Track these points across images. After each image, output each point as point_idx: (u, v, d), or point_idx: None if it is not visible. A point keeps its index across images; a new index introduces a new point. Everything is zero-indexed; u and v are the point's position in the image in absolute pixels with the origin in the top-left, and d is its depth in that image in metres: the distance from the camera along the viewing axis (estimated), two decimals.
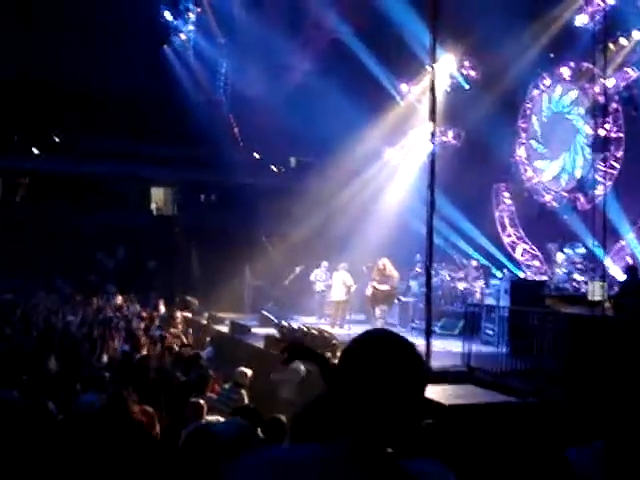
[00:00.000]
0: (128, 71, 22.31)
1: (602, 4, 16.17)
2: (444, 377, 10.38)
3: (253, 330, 15.62)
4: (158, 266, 23.38)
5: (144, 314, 17.63)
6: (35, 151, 26.33)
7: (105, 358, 10.63)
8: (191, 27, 23.36)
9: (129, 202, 27.36)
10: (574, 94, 18.25)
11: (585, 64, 17.59)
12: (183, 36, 23.73)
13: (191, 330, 15.92)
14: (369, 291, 16.04)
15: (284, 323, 14.43)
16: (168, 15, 22.73)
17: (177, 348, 12.00)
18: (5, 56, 22.25)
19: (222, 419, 6.04)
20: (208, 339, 15.25)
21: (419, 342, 12.41)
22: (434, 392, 9.26)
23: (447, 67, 20.44)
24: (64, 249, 22.85)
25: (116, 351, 11.42)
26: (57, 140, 26.74)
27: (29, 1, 22.44)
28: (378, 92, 22.05)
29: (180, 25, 23.34)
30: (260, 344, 13.28)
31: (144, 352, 10.99)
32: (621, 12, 15.54)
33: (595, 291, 11.97)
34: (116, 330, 13.74)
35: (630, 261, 15.68)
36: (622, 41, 15.88)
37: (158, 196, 27.66)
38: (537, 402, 7.93)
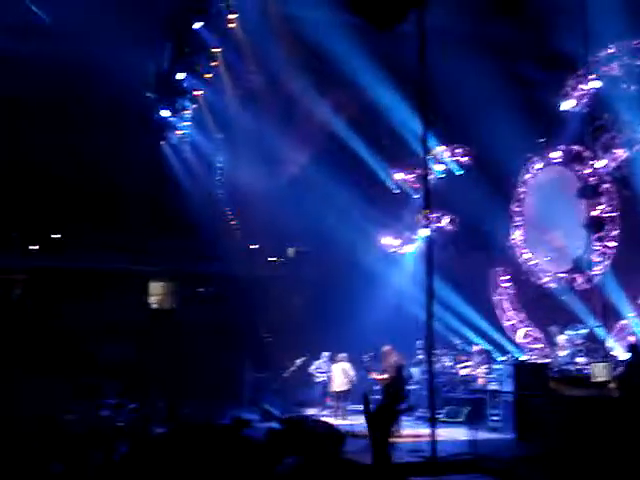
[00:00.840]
0: (127, 168, 22.61)
1: (587, 88, 16.60)
2: (451, 466, 10.19)
3: (255, 424, 15.32)
4: (157, 361, 23.09)
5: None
6: (33, 247, 26.39)
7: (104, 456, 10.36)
8: (187, 123, 23.82)
9: (128, 297, 27.25)
10: (565, 176, 18.49)
11: (574, 147, 17.91)
12: (180, 132, 24.17)
13: None
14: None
15: (286, 416, 14.19)
16: (165, 113, 23.19)
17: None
18: (5, 152, 22.68)
19: None
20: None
21: (423, 431, 12.25)
22: None
23: (439, 154, 20.86)
24: (62, 346, 22.62)
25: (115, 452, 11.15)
26: (55, 237, 26.84)
27: (32, 101, 22.91)
28: (372, 180, 22.38)
29: (177, 122, 23.79)
30: (262, 438, 13.00)
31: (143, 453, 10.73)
32: (606, 94, 15.92)
33: (598, 372, 11.84)
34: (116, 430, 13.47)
35: (632, 339, 15.59)
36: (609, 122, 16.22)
37: (156, 290, 27.55)
38: None
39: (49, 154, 22.36)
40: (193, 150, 24.49)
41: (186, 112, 23.33)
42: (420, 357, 17.84)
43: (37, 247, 26.21)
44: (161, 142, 24.57)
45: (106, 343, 23.72)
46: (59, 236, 26.23)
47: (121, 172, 22.50)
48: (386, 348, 14.88)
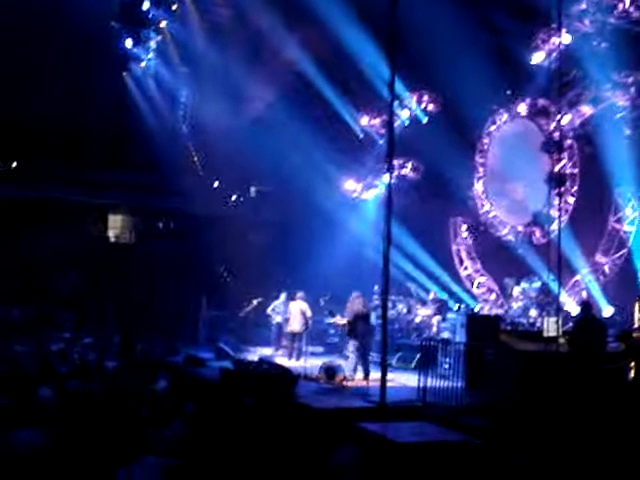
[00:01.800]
0: (87, 98, 22.11)
1: (557, 42, 16.49)
2: (400, 412, 10.36)
3: (209, 363, 15.41)
4: (113, 294, 23.00)
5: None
6: None
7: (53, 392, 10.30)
8: (151, 55, 23.27)
9: (86, 229, 26.96)
10: (530, 130, 18.52)
11: (541, 101, 17.90)
12: (143, 64, 23.62)
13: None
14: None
15: (240, 356, 14.27)
16: (129, 43, 22.61)
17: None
18: None
19: None
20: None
21: (375, 375, 12.44)
22: (389, 429, 9.22)
23: (406, 100, 20.72)
24: (16, 276, 22.39)
25: (66, 384, 11.10)
26: (14, 166, 26.33)
27: None
28: (338, 123, 22.20)
29: (140, 53, 23.23)
30: (215, 378, 13.09)
31: (95, 385, 10.72)
32: (576, 50, 15.85)
33: (550, 327, 12.05)
34: (69, 362, 13.41)
35: (585, 295, 15.88)
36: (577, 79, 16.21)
37: (116, 223, 27.29)
38: (485, 443, 7.89)
39: (8, 82, 21.71)
40: (156, 83, 23.99)
41: (150, 43, 22.80)
42: (376, 302, 17.96)
43: None
44: (123, 73, 24.01)
45: (61, 274, 23.54)
46: (16, 165, 25.71)
47: (82, 103, 21.98)
48: (355, 294, 14.89)
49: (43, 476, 5.01)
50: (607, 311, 15.41)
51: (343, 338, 18.72)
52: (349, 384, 13.11)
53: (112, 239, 26.78)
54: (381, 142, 21.97)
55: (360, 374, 13.90)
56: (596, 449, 7.55)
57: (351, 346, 14.31)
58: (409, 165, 21.65)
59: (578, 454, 7.41)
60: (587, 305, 11.89)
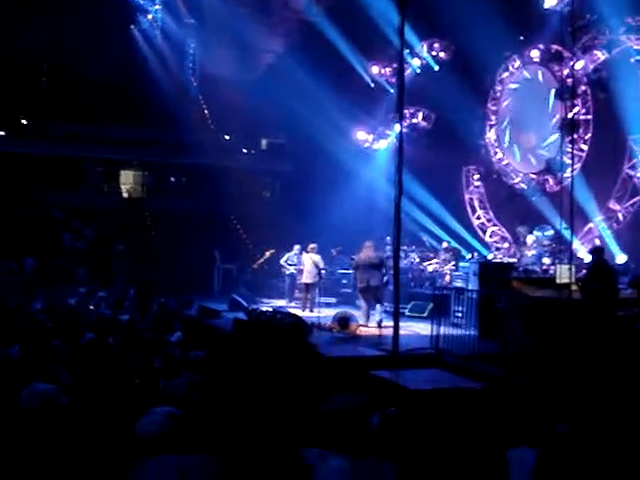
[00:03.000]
0: (95, 53, 21.94)
1: None
2: (413, 360, 10.43)
3: (223, 314, 15.55)
4: (127, 249, 23.15)
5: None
6: (1, 133, 25.92)
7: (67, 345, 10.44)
8: (158, 7, 23.00)
9: (98, 185, 27.07)
10: (543, 76, 18.27)
11: (554, 46, 17.61)
12: (150, 16, 23.37)
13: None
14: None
15: (253, 307, 14.37)
16: None
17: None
18: None
19: None
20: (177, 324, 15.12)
21: (388, 324, 12.52)
22: (401, 376, 9.29)
23: (417, 49, 20.48)
24: (32, 231, 22.55)
25: (82, 338, 11.24)
26: (24, 123, 26.34)
27: None
28: (349, 73, 21.97)
29: (147, 5, 22.97)
30: (229, 328, 13.21)
31: (110, 338, 10.85)
32: None
33: (562, 274, 12.02)
34: (83, 316, 13.57)
35: (597, 242, 15.82)
36: (590, 23, 15.91)
37: (127, 179, 27.34)
38: (501, 387, 7.93)
39: (17, 34, 21.58)
40: (164, 35, 23.75)
41: None
42: (389, 252, 17.96)
43: (3, 133, 25.70)
44: (131, 26, 23.80)
45: (75, 229, 23.67)
46: (27, 122, 25.70)
47: (91, 57, 21.81)
48: (367, 243, 14.95)
49: (58, 429, 5.09)
50: (620, 258, 15.36)
51: (356, 288, 18.86)
52: (362, 333, 13.20)
53: (124, 194, 26.87)
54: (392, 91, 21.72)
55: (373, 322, 14.04)
56: (605, 397, 7.58)
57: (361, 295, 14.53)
58: (420, 114, 21.47)
59: (588, 401, 7.45)
60: (598, 250, 11.81)
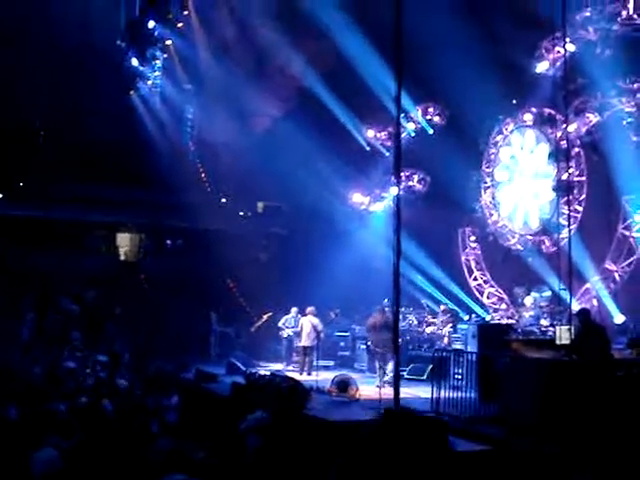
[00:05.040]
0: (95, 118, 22.22)
1: (562, 51, 16.53)
2: None
3: (221, 378, 15.41)
4: (123, 312, 23.01)
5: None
6: None
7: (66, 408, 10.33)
8: (157, 73, 23.37)
9: (95, 248, 27.06)
10: (537, 139, 18.54)
11: (547, 110, 17.92)
12: (150, 82, 23.72)
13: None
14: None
15: (251, 370, 14.27)
16: (135, 62, 22.73)
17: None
18: None
19: None
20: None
21: (389, 389, 12.42)
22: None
23: (412, 113, 20.82)
24: (28, 296, 22.44)
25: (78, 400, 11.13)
26: (21, 185, 26.46)
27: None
28: (344, 137, 22.24)
29: (147, 72, 23.34)
30: (226, 393, 13.08)
31: (106, 402, 10.73)
32: (581, 58, 15.89)
33: (562, 335, 11.98)
34: (79, 380, 13.45)
35: (595, 303, 15.84)
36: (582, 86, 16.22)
37: (124, 242, 27.36)
38: (505, 451, 7.87)
39: (17, 100, 21.86)
40: (163, 101, 24.09)
41: (156, 62, 22.92)
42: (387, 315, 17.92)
43: (1, 195, 25.80)
44: (130, 92, 24.13)
45: (74, 293, 23.56)
46: (23, 185, 25.81)
47: (89, 122, 22.10)
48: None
49: None
50: (619, 318, 15.35)
51: (354, 351, 18.78)
52: (361, 397, 13.08)
53: (122, 257, 26.85)
54: (387, 154, 22.03)
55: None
56: (612, 454, 7.50)
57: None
58: (416, 177, 21.70)
59: (595, 458, 7.38)
60: (584, 312, 11.73)
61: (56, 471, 5.43)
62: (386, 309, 16.99)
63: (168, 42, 21.94)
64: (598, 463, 7.20)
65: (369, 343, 16.04)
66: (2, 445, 6.53)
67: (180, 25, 21.09)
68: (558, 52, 16.71)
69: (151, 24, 20.80)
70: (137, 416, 9.56)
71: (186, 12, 20.64)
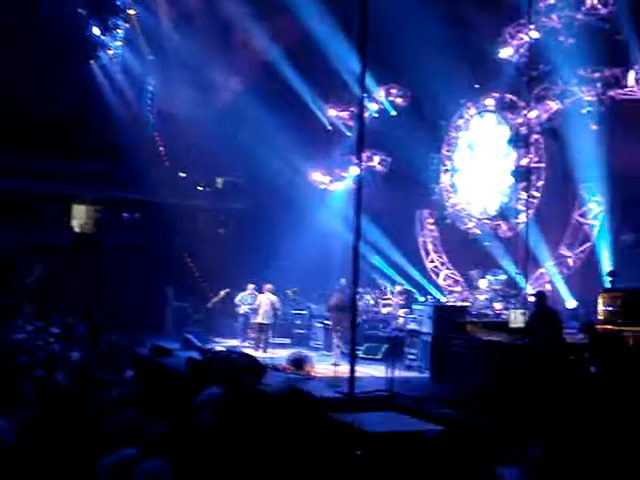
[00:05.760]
0: (52, 86, 21.74)
1: (526, 38, 16.67)
2: (368, 402, 10.39)
3: (176, 353, 15.31)
4: (78, 285, 22.73)
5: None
6: None
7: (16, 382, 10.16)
8: (119, 43, 22.97)
9: (50, 220, 26.61)
10: (498, 124, 18.68)
11: (509, 95, 18.06)
12: (111, 52, 23.29)
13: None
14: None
15: (207, 346, 14.23)
16: (96, 30, 22.30)
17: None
18: None
19: None
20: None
21: (344, 367, 12.49)
22: (356, 418, 9.23)
23: (375, 94, 20.80)
24: None
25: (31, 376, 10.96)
26: None
27: None
28: (306, 115, 22.17)
29: (108, 41, 22.91)
30: (182, 368, 12.99)
31: (61, 376, 10.59)
32: (544, 45, 16.03)
33: (516, 319, 12.18)
34: (32, 353, 13.23)
35: (549, 287, 16.09)
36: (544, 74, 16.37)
37: (80, 214, 26.97)
38: (458, 431, 7.95)
39: None
40: (123, 71, 23.68)
41: (118, 31, 22.51)
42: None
43: None
44: (90, 61, 23.67)
45: (26, 265, 23.21)
46: None
47: (48, 91, 21.62)
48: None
49: (11, 468, 4.96)
50: (570, 303, 15.63)
51: (310, 329, 18.84)
52: (316, 374, 13.15)
53: (76, 229, 26.48)
54: (349, 134, 22.01)
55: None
56: (557, 438, 7.65)
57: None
58: (376, 158, 21.70)
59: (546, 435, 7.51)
60: (541, 295, 11.92)
61: (8, 445, 5.34)
62: (344, 289, 17.11)
63: (131, 12, 21.57)
64: (548, 439, 7.34)
65: (328, 322, 16.11)
66: None
67: None
68: (522, 38, 16.86)
69: None
70: (91, 390, 9.44)
71: None
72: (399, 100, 21.15)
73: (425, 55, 17.00)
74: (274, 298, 17.15)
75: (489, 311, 15.95)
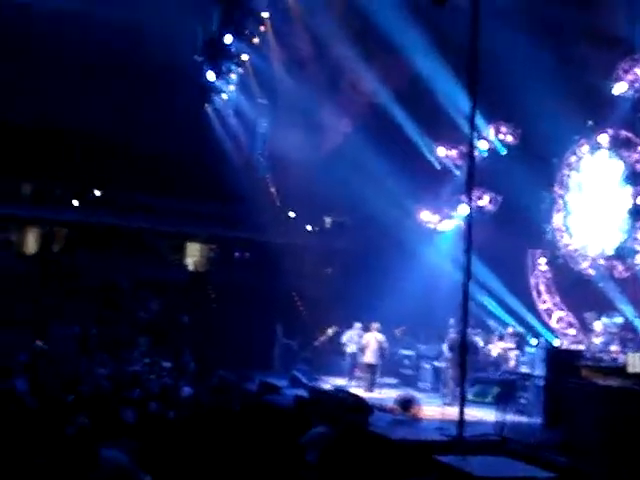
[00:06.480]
0: (170, 129, 22.76)
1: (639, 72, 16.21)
2: (477, 446, 10.16)
3: (283, 390, 15.48)
4: (190, 322, 23.37)
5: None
6: (75, 203, 26.76)
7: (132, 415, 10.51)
8: (232, 87, 23.78)
9: (165, 257, 27.60)
10: (612, 162, 18.14)
11: (624, 132, 17.53)
12: (224, 96, 24.14)
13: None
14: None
15: (314, 384, 14.29)
16: (211, 75, 23.19)
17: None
18: (59, 108, 23.00)
19: None
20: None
21: (452, 410, 12.27)
22: (466, 462, 9.04)
23: (484, 132, 20.61)
24: (98, 301, 23.01)
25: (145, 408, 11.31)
26: (98, 194, 27.19)
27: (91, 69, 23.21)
28: (414, 154, 22.18)
29: (222, 85, 23.77)
30: (289, 405, 13.11)
31: (171, 410, 10.89)
32: None
33: (635, 363, 11.67)
34: (144, 385, 13.67)
35: None
36: None
37: (193, 252, 27.84)
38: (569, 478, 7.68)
39: (99, 113, 22.59)
40: (237, 115, 24.49)
41: (232, 76, 23.32)
42: (452, 335, 17.74)
43: (78, 203, 26.58)
44: (205, 105, 24.60)
45: (142, 300, 24.07)
46: (100, 193, 26.55)
47: (166, 135, 22.66)
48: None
49: None
50: None
51: (418, 370, 18.63)
52: (424, 416, 12.96)
53: (190, 267, 27.31)
54: (458, 173, 21.86)
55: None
56: None
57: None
58: (486, 197, 21.41)
59: None
60: None
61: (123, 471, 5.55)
62: (450, 329, 16.92)
63: (244, 57, 22.30)
64: None
65: (439, 363, 15.82)
66: (71, 446, 6.67)
67: (256, 40, 21.44)
68: (636, 73, 16.39)
69: (228, 39, 21.19)
70: (201, 425, 9.66)
71: (262, 28, 20.97)
72: (509, 138, 20.85)
73: (535, 92, 16.77)
74: (381, 337, 17.09)
75: (604, 355, 15.33)
